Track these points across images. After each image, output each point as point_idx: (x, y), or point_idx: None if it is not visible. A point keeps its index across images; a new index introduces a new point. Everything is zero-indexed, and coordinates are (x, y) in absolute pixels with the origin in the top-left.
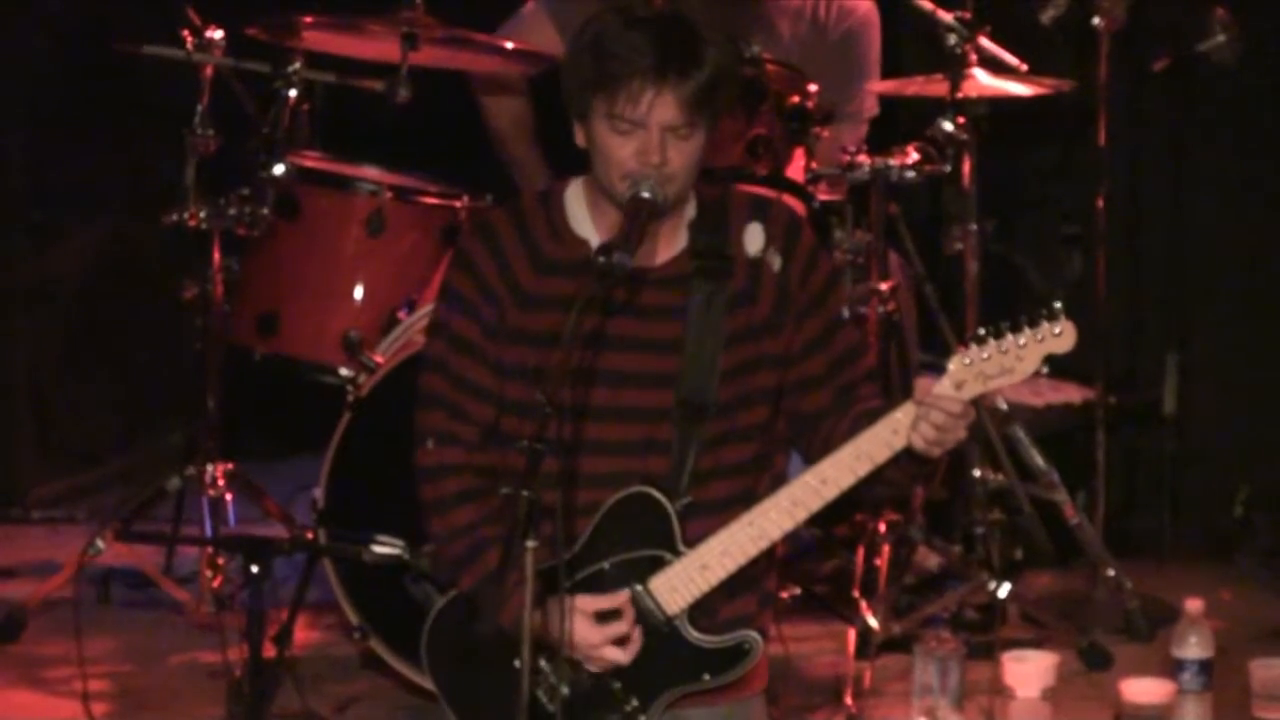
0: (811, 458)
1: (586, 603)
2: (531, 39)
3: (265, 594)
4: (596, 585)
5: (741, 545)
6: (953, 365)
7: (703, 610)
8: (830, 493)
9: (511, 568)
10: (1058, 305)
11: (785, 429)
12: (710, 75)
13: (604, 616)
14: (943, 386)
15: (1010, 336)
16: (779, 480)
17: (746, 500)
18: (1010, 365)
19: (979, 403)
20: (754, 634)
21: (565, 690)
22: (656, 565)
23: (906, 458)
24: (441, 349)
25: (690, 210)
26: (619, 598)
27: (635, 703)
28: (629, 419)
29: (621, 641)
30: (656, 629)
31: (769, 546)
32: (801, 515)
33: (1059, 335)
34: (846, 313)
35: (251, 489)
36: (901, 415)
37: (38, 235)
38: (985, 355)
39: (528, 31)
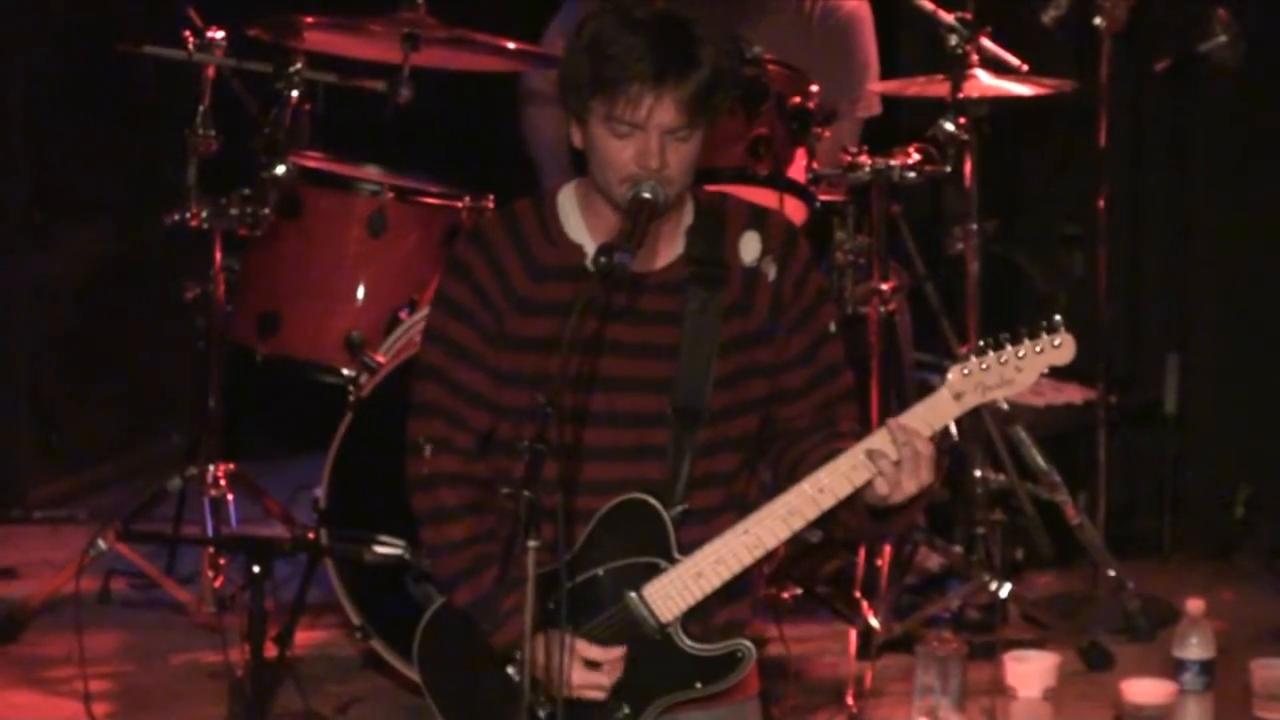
0: (779, 472)
1: (582, 648)
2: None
3: (266, 594)
4: (590, 592)
5: (737, 553)
6: (951, 376)
7: (696, 615)
8: (827, 502)
9: (507, 591)
10: (1058, 318)
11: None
12: (708, 77)
13: (593, 663)
14: (941, 397)
15: (1010, 348)
16: (769, 489)
17: (737, 508)
18: (1010, 377)
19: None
20: (746, 643)
21: (557, 696)
22: (651, 572)
23: (861, 504)
24: (438, 356)
25: (688, 216)
26: (612, 653)
27: (627, 710)
28: (623, 424)
29: (600, 689)
30: (649, 637)
31: (764, 555)
32: (798, 524)
33: (1058, 347)
34: (833, 328)
35: (253, 489)
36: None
37: (38, 235)
38: (984, 366)
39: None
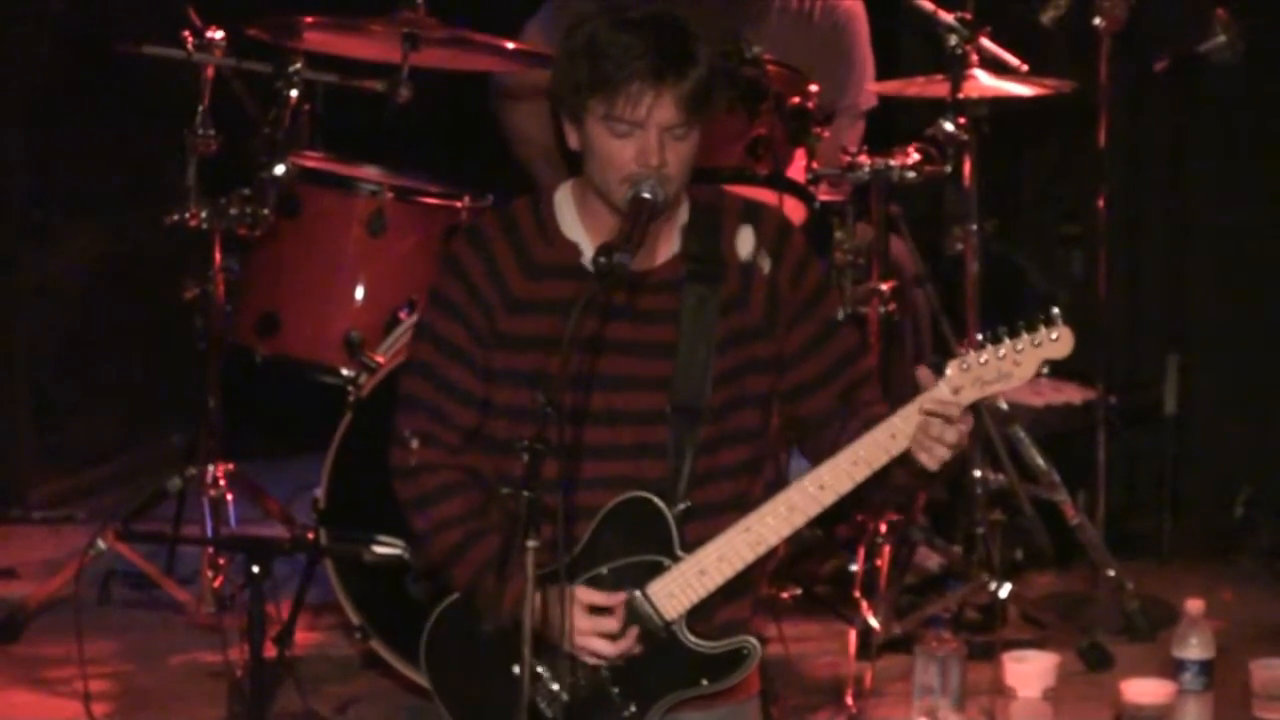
0: (816, 463)
1: (583, 594)
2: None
3: (266, 594)
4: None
5: (739, 551)
6: (950, 371)
7: (698, 614)
8: (828, 499)
9: (509, 559)
10: (1055, 311)
11: (787, 433)
12: (706, 74)
13: (597, 610)
14: (940, 392)
15: (1008, 342)
16: (774, 485)
17: (741, 504)
18: (1008, 371)
19: (980, 403)
20: (752, 639)
21: (564, 696)
22: (655, 571)
23: (909, 464)
24: (427, 352)
25: (683, 214)
26: (614, 597)
27: (633, 708)
28: (622, 422)
29: (610, 639)
30: (654, 634)
31: (766, 552)
32: (799, 521)
33: (1056, 341)
34: (842, 315)
35: (252, 489)
36: (900, 421)
37: (38, 235)
38: (983, 360)
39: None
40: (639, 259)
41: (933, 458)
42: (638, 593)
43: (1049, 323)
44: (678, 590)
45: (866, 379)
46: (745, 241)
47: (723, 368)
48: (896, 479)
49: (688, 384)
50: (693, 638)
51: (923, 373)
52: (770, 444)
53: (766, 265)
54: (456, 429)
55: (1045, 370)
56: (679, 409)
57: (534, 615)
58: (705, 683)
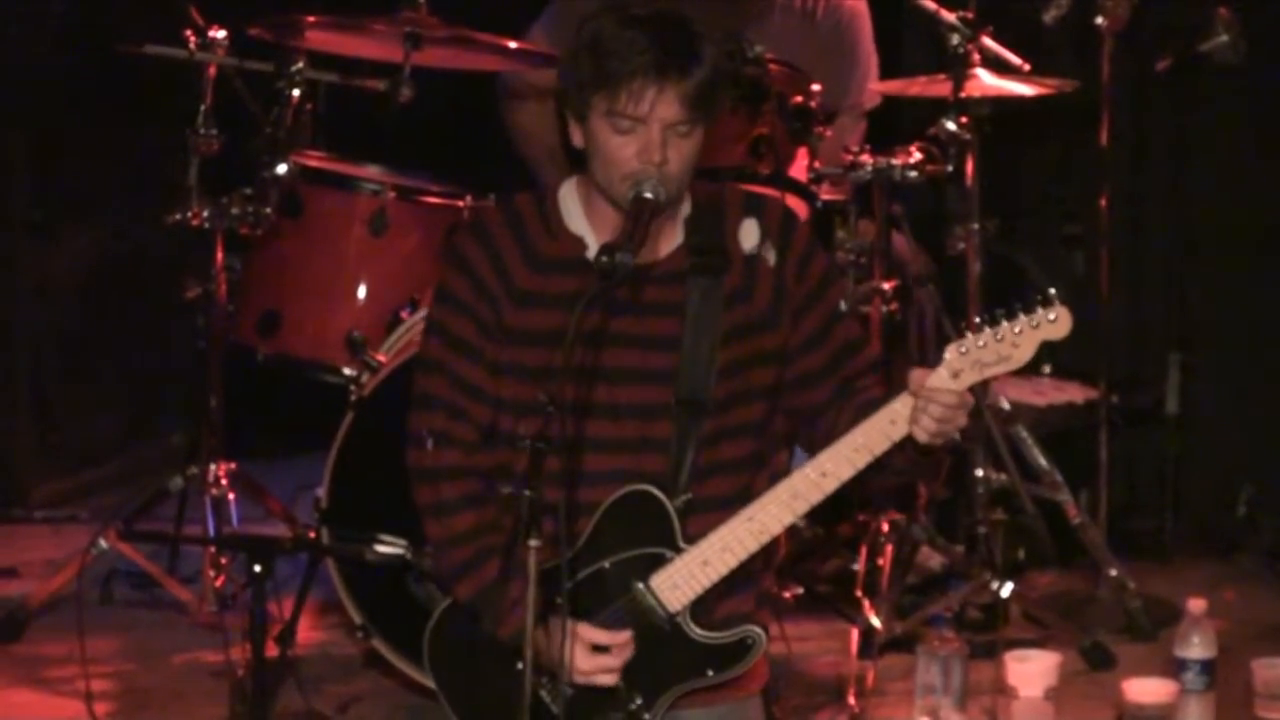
0: (814, 452)
1: (586, 632)
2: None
3: (268, 593)
4: (597, 584)
5: (742, 540)
6: (949, 355)
7: (700, 609)
8: (830, 485)
9: (511, 581)
10: (1052, 291)
11: (787, 425)
12: (710, 72)
13: (599, 648)
14: (939, 377)
15: (1005, 324)
16: (779, 478)
17: (745, 497)
18: (1006, 353)
19: (980, 403)
20: (756, 629)
21: (568, 689)
22: (657, 563)
23: (910, 446)
24: (439, 349)
25: (686, 207)
26: (618, 636)
27: (640, 701)
28: (626, 416)
29: (609, 672)
30: (659, 627)
31: (769, 541)
32: (801, 509)
33: (1054, 321)
34: (844, 307)
35: (254, 488)
36: (899, 406)
37: (38, 235)
38: (981, 344)
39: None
40: (642, 253)
41: (934, 440)
42: (640, 585)
43: (1046, 304)
44: (681, 581)
45: (868, 369)
46: (749, 233)
47: (727, 360)
48: (897, 461)
49: (692, 377)
50: (697, 629)
51: (917, 374)
52: (774, 438)
53: (772, 257)
54: (473, 424)
55: (1047, 370)
56: (683, 402)
57: (536, 645)
58: (711, 673)
